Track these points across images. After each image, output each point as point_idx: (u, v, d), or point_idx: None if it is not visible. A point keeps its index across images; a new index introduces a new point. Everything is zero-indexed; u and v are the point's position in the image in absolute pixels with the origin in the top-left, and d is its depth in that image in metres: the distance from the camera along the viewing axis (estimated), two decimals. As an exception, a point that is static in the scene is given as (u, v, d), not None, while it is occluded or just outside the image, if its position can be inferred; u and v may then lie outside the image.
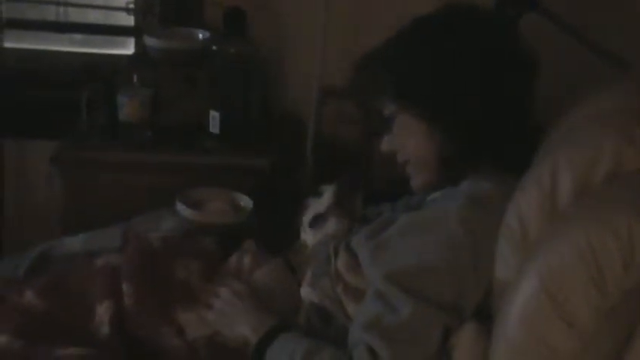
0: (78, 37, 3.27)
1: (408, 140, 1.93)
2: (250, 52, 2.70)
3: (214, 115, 2.71)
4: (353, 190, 2.19)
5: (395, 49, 1.93)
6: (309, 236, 2.13)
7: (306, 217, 2.18)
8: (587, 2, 2.72)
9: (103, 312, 1.94)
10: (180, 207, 2.41)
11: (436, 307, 1.68)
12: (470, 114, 1.84)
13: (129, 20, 3.17)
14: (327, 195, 2.18)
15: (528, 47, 1.90)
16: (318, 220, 2.14)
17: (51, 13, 3.21)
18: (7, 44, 2.97)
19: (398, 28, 1.94)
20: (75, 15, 3.21)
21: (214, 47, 2.73)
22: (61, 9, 3.19)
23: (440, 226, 1.76)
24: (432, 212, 1.84)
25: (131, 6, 3.10)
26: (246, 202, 2.50)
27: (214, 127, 2.72)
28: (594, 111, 1.75)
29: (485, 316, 1.71)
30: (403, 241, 1.80)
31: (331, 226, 2.09)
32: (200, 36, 2.89)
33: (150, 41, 2.82)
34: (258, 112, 2.81)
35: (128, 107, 2.70)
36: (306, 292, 1.93)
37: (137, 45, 3.15)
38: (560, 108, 1.89)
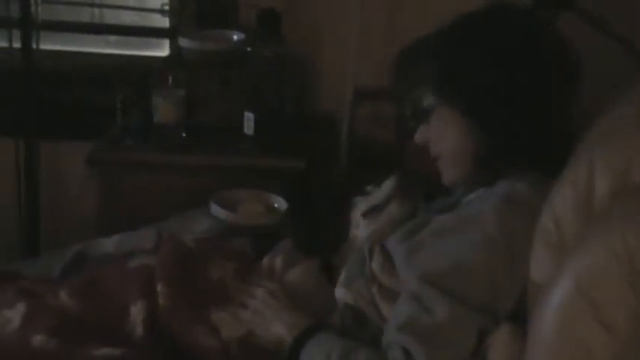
0: (113, 38, 3.29)
1: (445, 134, 1.90)
2: (285, 54, 2.70)
3: (249, 117, 2.71)
4: (414, 183, 2.15)
5: (444, 41, 1.91)
6: (361, 231, 2.12)
7: (358, 212, 2.15)
8: (622, 2, 2.69)
9: (136, 312, 1.94)
10: (215, 208, 2.42)
11: (471, 309, 1.68)
12: (512, 113, 1.82)
13: (164, 22, 3.18)
14: (386, 187, 2.14)
15: (572, 49, 1.88)
16: (374, 211, 2.11)
17: (86, 14, 3.23)
18: (43, 46, 2.98)
19: (433, 28, 1.93)
20: (110, 16, 3.23)
21: (249, 49, 2.73)
22: (96, 10, 3.21)
23: (475, 228, 1.75)
24: (467, 213, 1.83)
25: (166, 7, 3.10)
26: (280, 203, 2.50)
27: (249, 128, 2.72)
28: (631, 112, 1.73)
29: (520, 318, 1.69)
30: (438, 242, 1.79)
31: (393, 210, 2.07)
32: (235, 37, 2.89)
33: (184, 43, 2.83)
34: (293, 113, 2.81)
35: (162, 109, 2.71)
36: (340, 293, 1.92)
37: (172, 46, 3.16)
38: (597, 109, 1.87)
